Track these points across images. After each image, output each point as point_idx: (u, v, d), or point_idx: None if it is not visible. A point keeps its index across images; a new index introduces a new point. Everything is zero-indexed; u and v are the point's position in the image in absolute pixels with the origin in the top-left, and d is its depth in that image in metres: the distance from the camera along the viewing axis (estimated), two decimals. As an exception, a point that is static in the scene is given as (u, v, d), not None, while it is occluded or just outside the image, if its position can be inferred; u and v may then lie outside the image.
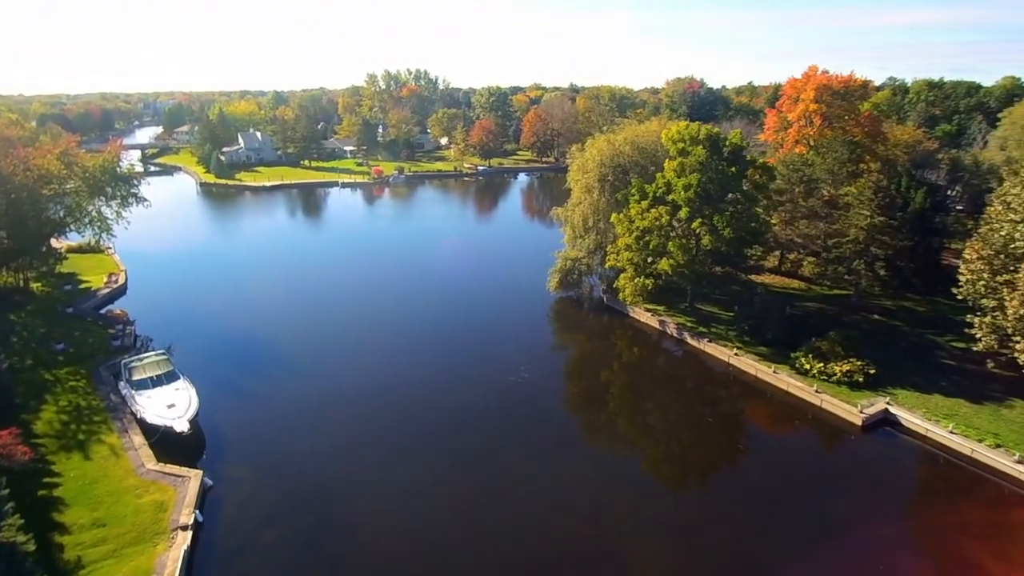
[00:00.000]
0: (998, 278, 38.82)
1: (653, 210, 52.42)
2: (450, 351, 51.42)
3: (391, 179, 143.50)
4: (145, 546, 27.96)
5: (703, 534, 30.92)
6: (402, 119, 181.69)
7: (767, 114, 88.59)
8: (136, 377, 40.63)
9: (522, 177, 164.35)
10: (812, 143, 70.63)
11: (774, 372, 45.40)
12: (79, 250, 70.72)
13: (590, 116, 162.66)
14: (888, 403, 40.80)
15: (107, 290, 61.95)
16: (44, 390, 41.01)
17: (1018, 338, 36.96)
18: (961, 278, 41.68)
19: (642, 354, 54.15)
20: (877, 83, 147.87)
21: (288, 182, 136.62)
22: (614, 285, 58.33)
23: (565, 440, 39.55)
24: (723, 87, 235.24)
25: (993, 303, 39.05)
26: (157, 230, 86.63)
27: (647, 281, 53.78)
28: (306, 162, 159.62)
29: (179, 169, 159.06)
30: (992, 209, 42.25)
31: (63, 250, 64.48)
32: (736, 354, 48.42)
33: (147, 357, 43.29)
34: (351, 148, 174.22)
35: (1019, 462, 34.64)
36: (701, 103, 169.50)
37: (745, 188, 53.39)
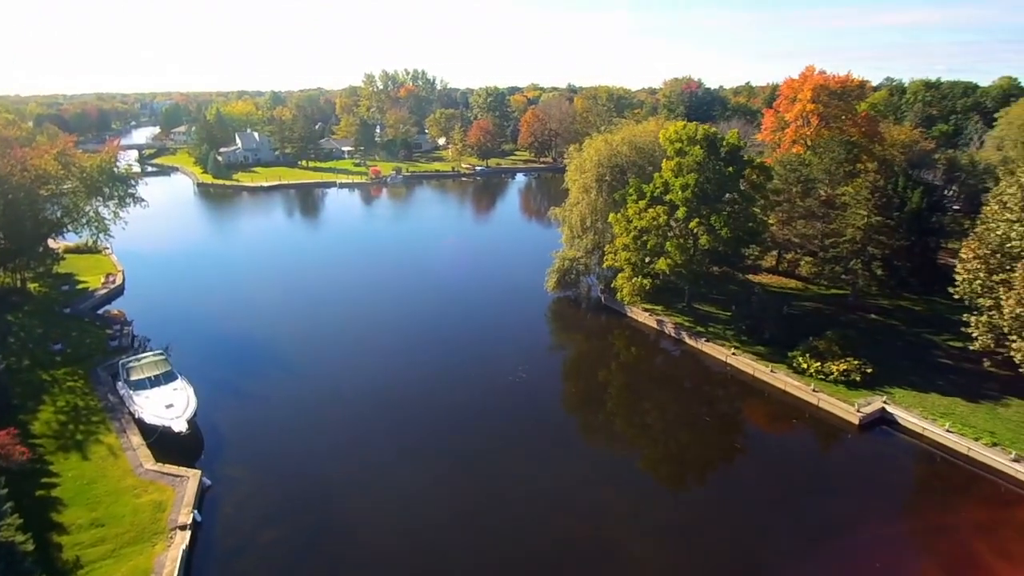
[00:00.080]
0: (994, 277, 38.99)
1: (651, 210, 52.52)
2: (448, 351, 51.45)
3: (389, 179, 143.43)
4: (144, 546, 27.94)
5: (702, 533, 31.00)
6: (400, 119, 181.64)
7: (764, 114, 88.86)
8: (134, 377, 40.55)
9: (520, 177, 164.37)
10: (809, 143, 70.87)
11: (771, 371, 45.53)
12: (76, 250, 70.60)
13: (588, 116, 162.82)
14: (885, 402, 40.94)
15: (104, 290, 61.83)
16: (42, 391, 40.92)
17: (1014, 337, 37.13)
18: (957, 277, 41.86)
19: (640, 354, 54.25)
20: (874, 83, 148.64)
21: (286, 182, 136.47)
22: (612, 285, 58.43)
23: (564, 440, 39.61)
24: (720, 87, 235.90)
25: (989, 302, 39.22)
26: (154, 231, 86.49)
27: (645, 281, 53.90)
28: (304, 162, 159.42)
29: (176, 169, 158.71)
30: (988, 209, 42.44)
31: (60, 250, 64.34)
32: (734, 353, 48.54)
33: (145, 357, 43.21)
34: (349, 148, 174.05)
35: (1015, 460, 34.79)
36: (699, 103, 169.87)
37: (742, 188, 53.53)
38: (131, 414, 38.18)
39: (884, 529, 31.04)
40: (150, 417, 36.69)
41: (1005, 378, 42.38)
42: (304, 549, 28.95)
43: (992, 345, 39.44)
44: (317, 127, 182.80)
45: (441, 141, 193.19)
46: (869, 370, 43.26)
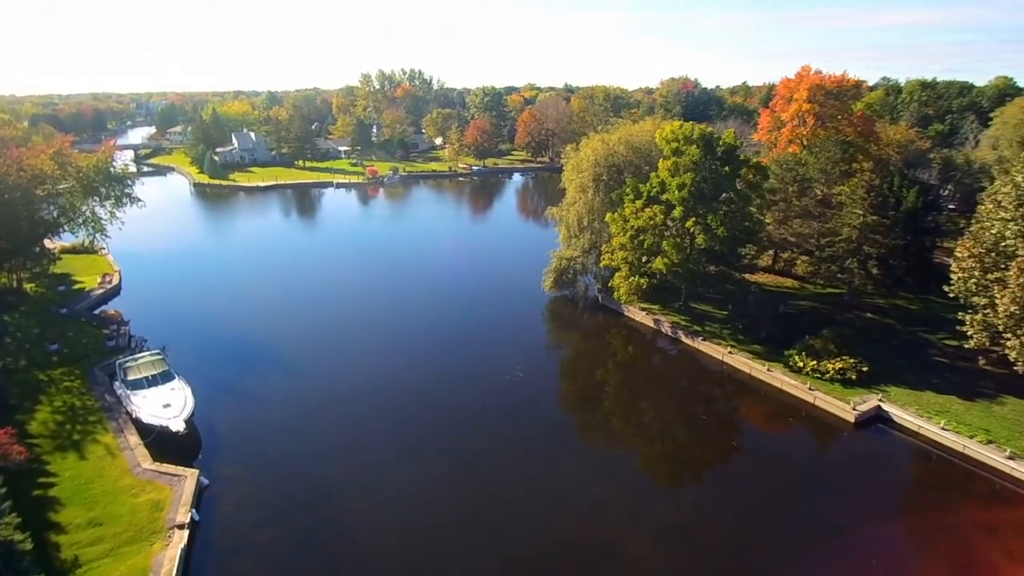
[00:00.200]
0: (989, 276, 39.17)
1: (647, 209, 52.66)
2: (446, 351, 51.48)
3: (386, 179, 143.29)
4: (142, 545, 27.94)
5: (700, 532, 31.12)
6: (396, 119, 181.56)
7: (761, 114, 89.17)
8: (131, 377, 40.51)
9: (517, 177, 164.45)
10: (805, 143, 71.19)
11: (768, 370, 45.70)
12: (73, 251, 70.46)
13: (585, 116, 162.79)
14: (881, 400, 41.16)
15: (101, 291, 61.68)
16: (38, 391, 40.84)
17: (1009, 335, 37.32)
18: (953, 276, 42.03)
19: (637, 353, 54.37)
20: (871, 83, 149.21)
21: (282, 182, 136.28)
22: (609, 284, 58.56)
23: (562, 439, 39.69)
24: (717, 87, 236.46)
25: (984, 301, 39.40)
26: (151, 231, 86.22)
27: (642, 280, 54.03)
28: (300, 162, 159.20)
29: (172, 169, 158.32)
30: (983, 208, 42.66)
31: (57, 251, 64.10)
32: (730, 352, 48.71)
33: (142, 357, 43.19)
34: (345, 148, 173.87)
35: (1010, 458, 35.02)
36: (695, 103, 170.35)
37: (739, 187, 53.69)
38: (128, 414, 38.13)
39: (879, 525, 31.20)
40: (147, 417, 36.66)
41: (1000, 376, 42.66)
42: (303, 548, 28.96)
43: (987, 343, 39.65)
44: (313, 127, 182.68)
45: (438, 141, 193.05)
46: (865, 368, 43.46)
